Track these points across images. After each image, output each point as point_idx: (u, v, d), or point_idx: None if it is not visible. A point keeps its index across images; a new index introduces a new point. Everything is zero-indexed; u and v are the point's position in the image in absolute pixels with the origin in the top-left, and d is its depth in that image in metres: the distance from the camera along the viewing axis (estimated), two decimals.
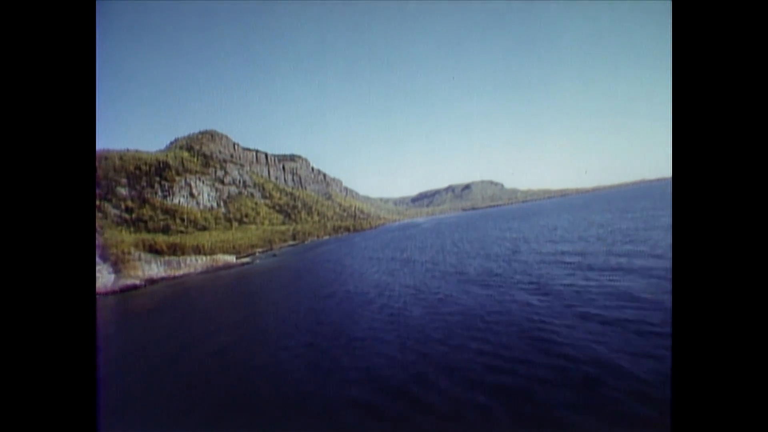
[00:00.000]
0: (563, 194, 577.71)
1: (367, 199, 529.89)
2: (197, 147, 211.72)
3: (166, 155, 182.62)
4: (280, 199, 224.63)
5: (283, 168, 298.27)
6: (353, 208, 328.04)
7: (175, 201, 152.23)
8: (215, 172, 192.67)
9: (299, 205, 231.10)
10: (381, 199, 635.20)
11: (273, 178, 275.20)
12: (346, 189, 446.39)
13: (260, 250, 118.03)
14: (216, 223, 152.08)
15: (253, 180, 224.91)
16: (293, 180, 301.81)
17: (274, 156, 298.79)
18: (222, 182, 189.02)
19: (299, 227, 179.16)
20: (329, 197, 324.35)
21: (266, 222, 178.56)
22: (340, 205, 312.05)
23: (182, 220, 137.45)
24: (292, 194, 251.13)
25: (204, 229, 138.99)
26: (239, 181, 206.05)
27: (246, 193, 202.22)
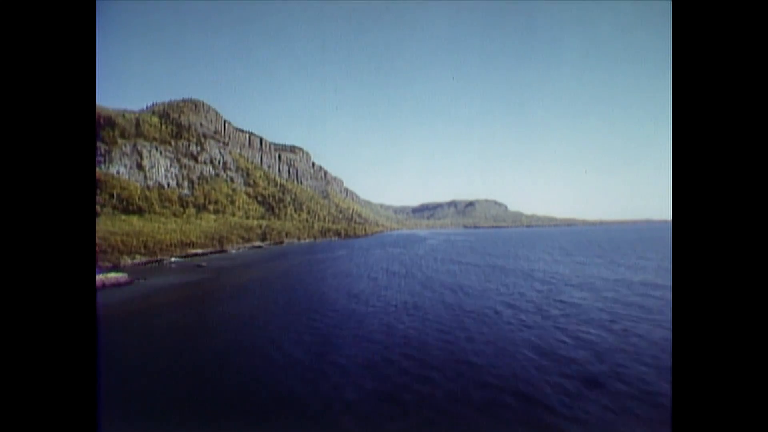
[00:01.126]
0: (569, 224, 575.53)
1: (367, 203, 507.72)
2: (175, 115, 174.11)
3: (123, 115, 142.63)
4: (266, 189, 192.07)
5: (279, 157, 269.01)
6: (351, 211, 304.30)
7: (111, 170, 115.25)
8: (188, 146, 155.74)
9: (288, 200, 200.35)
10: (381, 206, 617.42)
11: (265, 166, 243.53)
12: (346, 190, 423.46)
13: (202, 251, 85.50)
14: (163, 206, 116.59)
15: (237, 163, 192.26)
16: (289, 172, 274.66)
17: (272, 144, 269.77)
18: (195, 159, 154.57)
19: (279, 224, 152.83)
20: (326, 196, 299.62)
21: (240, 213, 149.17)
22: (336, 206, 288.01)
23: (110, 196, 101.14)
24: (283, 186, 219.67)
25: (138, 212, 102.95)
26: (219, 162, 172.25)
27: (225, 176, 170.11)
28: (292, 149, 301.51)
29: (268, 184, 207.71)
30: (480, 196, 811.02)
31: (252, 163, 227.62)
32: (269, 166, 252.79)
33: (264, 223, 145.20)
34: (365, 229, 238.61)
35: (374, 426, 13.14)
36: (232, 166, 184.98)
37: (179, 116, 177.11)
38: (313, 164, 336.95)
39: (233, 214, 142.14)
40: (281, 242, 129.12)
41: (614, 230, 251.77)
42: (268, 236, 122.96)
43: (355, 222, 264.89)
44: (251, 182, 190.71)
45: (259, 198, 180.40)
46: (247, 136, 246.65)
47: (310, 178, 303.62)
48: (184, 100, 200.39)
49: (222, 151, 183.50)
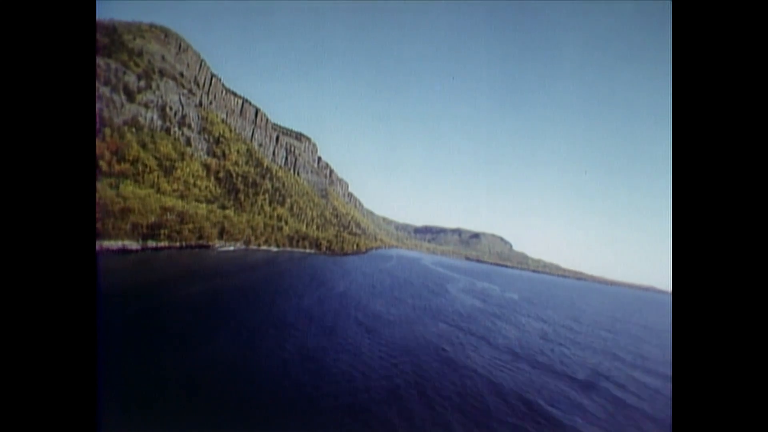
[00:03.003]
0: (578, 277, 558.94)
1: (369, 214, 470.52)
2: (129, 37, 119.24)
3: None
4: (237, 165, 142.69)
5: (277, 139, 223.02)
6: (349, 218, 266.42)
7: None
8: (122, 73, 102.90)
9: (266, 186, 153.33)
10: (384, 219, 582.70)
11: (255, 144, 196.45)
12: (350, 195, 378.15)
13: None
14: None
15: (208, 126, 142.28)
16: (287, 159, 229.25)
17: (273, 123, 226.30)
18: (128, 94, 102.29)
19: (236, 217, 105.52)
20: (325, 195, 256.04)
21: (175, 187, 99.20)
22: (334, 209, 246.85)
23: None
24: (267, 169, 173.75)
25: None
26: (175, 113, 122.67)
27: (178, 134, 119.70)
28: (298, 136, 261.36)
29: (247, 161, 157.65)
30: (485, 230, 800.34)
31: (237, 134, 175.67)
32: (261, 145, 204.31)
33: (207, 210, 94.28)
34: (358, 244, 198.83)
35: None
36: (195, 125, 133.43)
37: (133, 39, 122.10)
38: (319, 159, 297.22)
39: (157, 189, 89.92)
40: (205, 246, 78.35)
41: (631, 295, 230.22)
42: (181, 234, 71.21)
43: (351, 231, 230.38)
44: (219, 153, 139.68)
45: (222, 175, 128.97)
46: (240, 102, 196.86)
47: (311, 172, 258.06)
48: (150, 25, 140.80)
49: (184, 100, 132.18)
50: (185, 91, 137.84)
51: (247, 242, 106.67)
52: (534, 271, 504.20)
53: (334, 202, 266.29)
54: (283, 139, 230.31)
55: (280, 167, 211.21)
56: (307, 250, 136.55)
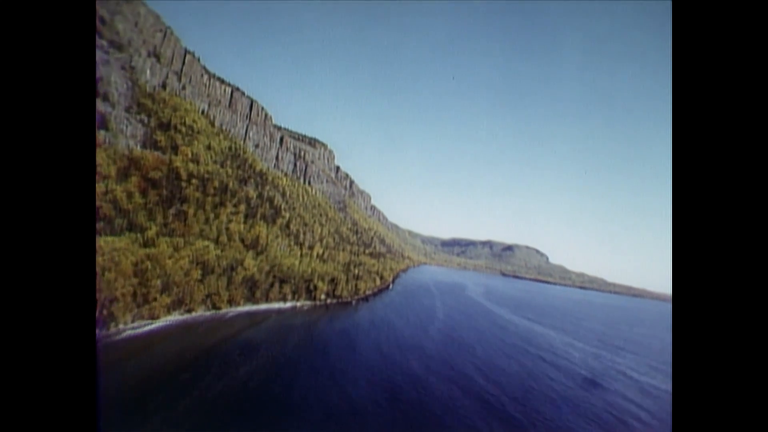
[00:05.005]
0: (632, 293, 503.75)
1: (394, 228, 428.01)
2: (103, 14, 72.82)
3: None
4: (196, 164, 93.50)
5: (281, 141, 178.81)
6: (372, 234, 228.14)
7: None
8: None
9: (251, 196, 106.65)
10: (410, 233, 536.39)
11: (251, 145, 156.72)
12: (372, 207, 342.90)
13: None
14: None
15: (140, 97, 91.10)
16: (295, 166, 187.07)
17: (277, 126, 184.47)
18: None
19: (156, 257, 61.07)
20: (343, 208, 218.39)
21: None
22: (354, 224, 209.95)
23: None
24: (259, 173, 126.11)
25: None
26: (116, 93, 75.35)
27: (119, 118, 77.45)
28: (312, 142, 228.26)
29: (224, 161, 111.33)
30: (518, 241, 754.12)
31: (220, 129, 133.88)
32: (258, 146, 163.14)
33: (110, 247, 55.81)
34: (381, 274, 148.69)
35: None
36: (119, 97, 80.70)
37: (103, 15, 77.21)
38: (338, 168, 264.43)
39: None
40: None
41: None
42: None
43: (374, 251, 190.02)
44: (167, 144, 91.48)
45: (159, 176, 78.21)
46: (228, 91, 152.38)
47: (328, 182, 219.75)
48: None
49: (111, 60, 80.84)
50: (114, 51, 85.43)
51: (183, 304, 62.32)
52: (581, 287, 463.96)
53: (355, 216, 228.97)
54: (290, 142, 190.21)
55: (285, 174, 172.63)
56: (287, 304, 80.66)
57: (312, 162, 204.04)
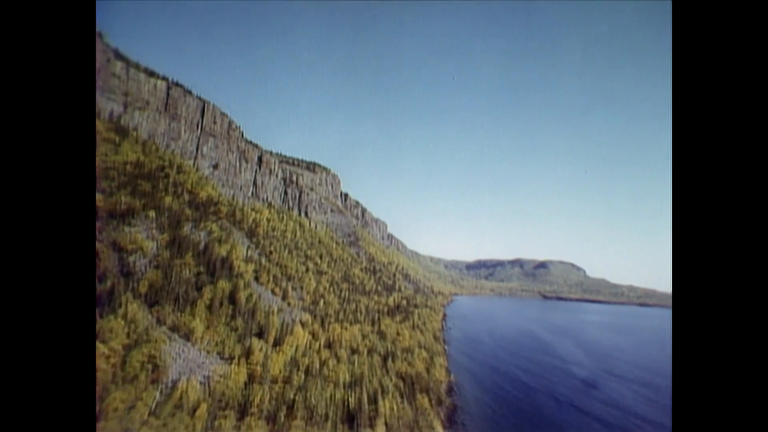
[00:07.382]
0: None
1: (414, 256, 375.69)
2: None
3: None
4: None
5: (259, 161, 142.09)
6: (394, 268, 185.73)
7: None
8: None
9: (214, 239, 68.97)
10: (431, 259, 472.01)
11: (206, 164, 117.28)
12: (390, 236, 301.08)
13: None
14: None
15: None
16: (285, 194, 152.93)
17: (270, 152, 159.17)
18: None
19: None
20: (355, 242, 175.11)
21: None
22: (370, 259, 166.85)
23: None
24: (210, 203, 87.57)
25: None
26: None
27: None
28: (310, 166, 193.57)
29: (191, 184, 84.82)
30: (551, 256, 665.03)
31: (148, 141, 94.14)
32: (217, 167, 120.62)
33: None
34: (426, 341, 75.33)
35: None
36: None
37: None
38: (346, 196, 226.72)
39: None
40: None
41: None
42: None
43: (401, 293, 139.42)
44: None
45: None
46: (162, 86, 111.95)
47: (332, 211, 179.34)
48: None
49: None
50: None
51: None
52: (641, 304, 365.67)
53: (370, 249, 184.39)
54: (276, 164, 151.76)
55: (270, 205, 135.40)
56: None
57: (311, 189, 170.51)
